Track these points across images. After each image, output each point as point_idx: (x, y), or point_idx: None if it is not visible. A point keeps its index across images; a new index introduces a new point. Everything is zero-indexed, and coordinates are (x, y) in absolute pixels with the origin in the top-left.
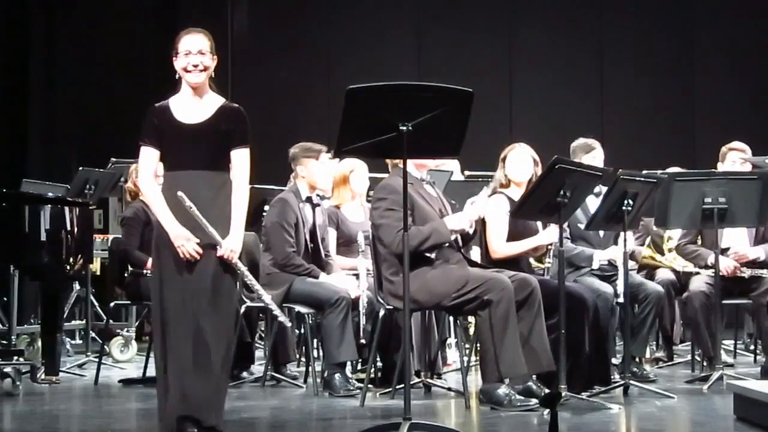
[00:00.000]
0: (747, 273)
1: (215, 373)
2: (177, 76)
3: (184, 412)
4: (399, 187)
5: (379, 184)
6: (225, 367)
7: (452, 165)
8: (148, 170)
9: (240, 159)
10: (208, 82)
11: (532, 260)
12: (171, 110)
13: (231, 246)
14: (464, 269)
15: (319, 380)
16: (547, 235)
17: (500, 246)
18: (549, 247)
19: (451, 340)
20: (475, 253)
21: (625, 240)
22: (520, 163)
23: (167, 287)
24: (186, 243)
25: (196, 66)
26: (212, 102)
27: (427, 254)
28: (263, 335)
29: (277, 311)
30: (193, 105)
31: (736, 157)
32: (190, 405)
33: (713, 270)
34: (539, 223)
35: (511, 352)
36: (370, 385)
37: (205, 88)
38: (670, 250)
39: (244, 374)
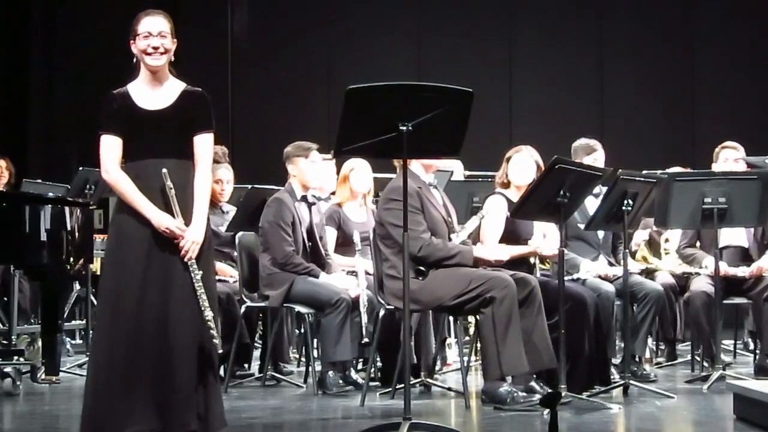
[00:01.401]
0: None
1: (191, 377)
2: (135, 60)
3: (159, 428)
4: (410, 188)
5: (388, 185)
6: (206, 369)
7: (455, 165)
8: (113, 159)
9: (203, 144)
10: (168, 67)
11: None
12: (131, 96)
13: (193, 237)
14: (465, 269)
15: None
16: (546, 248)
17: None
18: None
19: (451, 340)
20: None
21: (625, 240)
22: (523, 167)
23: (128, 287)
24: (172, 227)
25: (156, 48)
26: (173, 87)
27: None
28: (262, 335)
29: (216, 335)
30: (154, 91)
31: (728, 155)
32: (167, 415)
33: (712, 271)
34: (536, 224)
35: (513, 350)
36: (372, 384)
37: (165, 72)
38: (666, 252)
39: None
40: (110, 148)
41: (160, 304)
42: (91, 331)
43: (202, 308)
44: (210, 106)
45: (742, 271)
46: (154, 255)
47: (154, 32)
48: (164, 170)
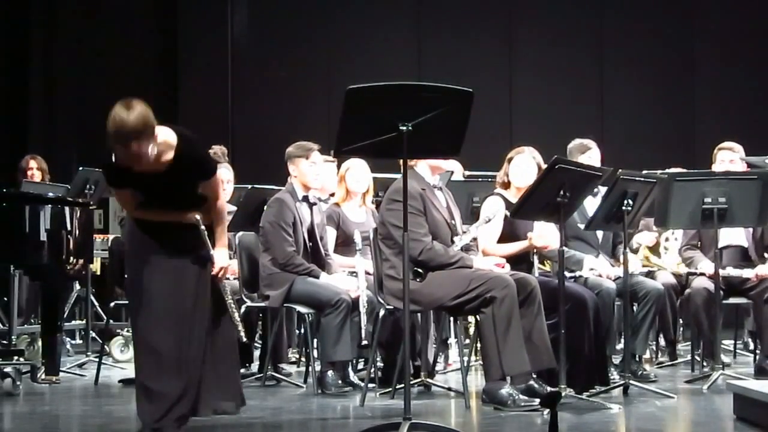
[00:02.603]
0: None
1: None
2: None
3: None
4: (413, 190)
5: (392, 186)
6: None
7: (453, 166)
8: (132, 204)
9: (210, 187)
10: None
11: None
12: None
13: (221, 264)
14: (465, 270)
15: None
16: (540, 240)
17: (491, 247)
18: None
19: (452, 340)
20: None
21: (625, 240)
22: (525, 169)
23: (161, 290)
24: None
25: (141, 164)
26: (166, 151)
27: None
28: (261, 335)
29: (241, 331)
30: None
31: (724, 157)
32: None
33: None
34: (535, 224)
35: (514, 349)
36: (371, 385)
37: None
38: (666, 249)
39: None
40: (125, 198)
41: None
42: (91, 332)
43: (232, 311)
44: (202, 151)
45: (747, 274)
46: (174, 259)
47: (134, 155)
48: (197, 216)
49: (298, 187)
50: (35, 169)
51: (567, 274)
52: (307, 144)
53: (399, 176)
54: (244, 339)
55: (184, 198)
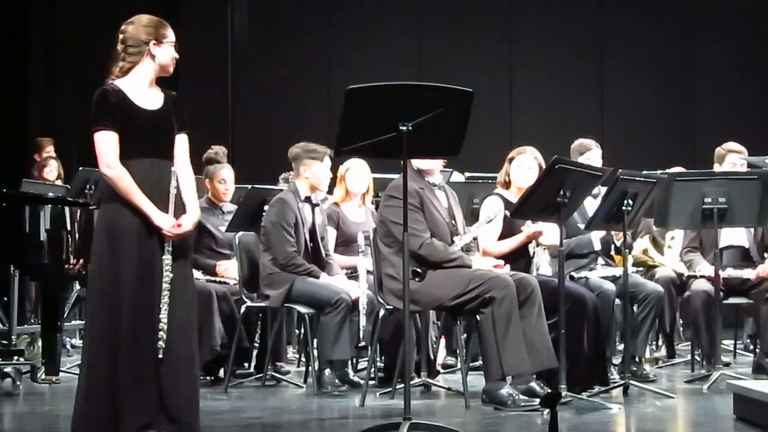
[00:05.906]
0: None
1: (193, 372)
2: (140, 59)
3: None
4: (410, 187)
5: (390, 184)
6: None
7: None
8: (114, 155)
9: (183, 144)
10: None
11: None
12: (126, 94)
13: (186, 225)
14: (464, 270)
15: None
16: (534, 227)
17: (491, 245)
18: (540, 244)
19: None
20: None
21: (624, 240)
22: (526, 170)
23: (124, 281)
24: (173, 229)
25: (175, 60)
26: (158, 90)
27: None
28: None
29: (163, 337)
30: (149, 93)
31: (735, 159)
32: (170, 407)
33: (712, 272)
34: (527, 223)
35: (514, 349)
36: (371, 383)
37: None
38: (670, 247)
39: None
40: (110, 143)
41: (155, 299)
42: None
43: (162, 307)
44: (185, 107)
45: (747, 274)
46: (147, 249)
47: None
48: (173, 169)
49: (303, 188)
50: (54, 168)
51: (574, 274)
52: (319, 147)
53: (398, 176)
54: (160, 355)
55: (168, 148)
